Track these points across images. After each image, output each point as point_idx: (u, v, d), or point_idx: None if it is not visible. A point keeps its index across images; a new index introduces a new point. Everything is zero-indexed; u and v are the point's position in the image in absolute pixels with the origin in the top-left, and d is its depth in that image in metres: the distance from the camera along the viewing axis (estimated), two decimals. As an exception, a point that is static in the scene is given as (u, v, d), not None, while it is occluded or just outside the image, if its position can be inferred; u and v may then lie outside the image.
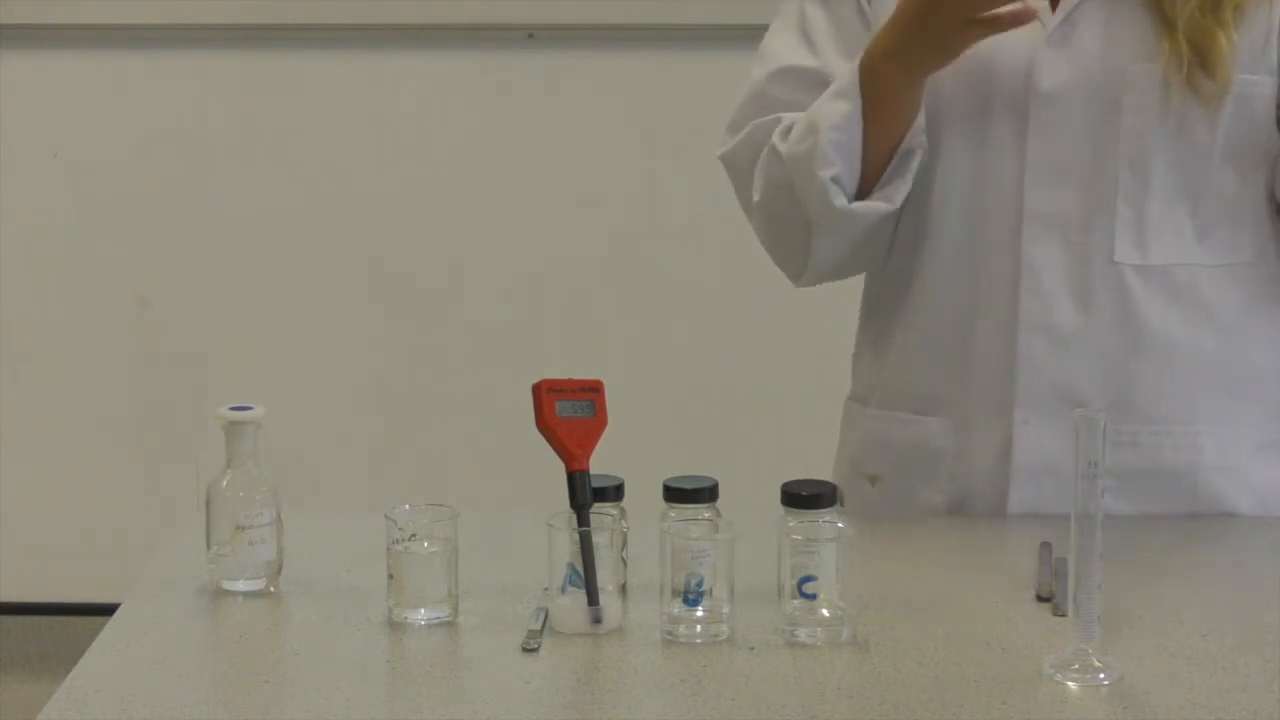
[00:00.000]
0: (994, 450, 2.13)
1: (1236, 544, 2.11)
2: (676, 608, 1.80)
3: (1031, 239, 2.08)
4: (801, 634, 1.79)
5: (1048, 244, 2.08)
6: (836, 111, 2.06)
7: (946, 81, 2.08)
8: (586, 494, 1.84)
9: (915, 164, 2.09)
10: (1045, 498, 2.11)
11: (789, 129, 2.11)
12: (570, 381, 1.89)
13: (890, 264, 2.18)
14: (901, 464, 2.18)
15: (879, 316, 2.21)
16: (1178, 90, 2.03)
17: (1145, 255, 2.08)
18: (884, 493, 2.18)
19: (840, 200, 2.07)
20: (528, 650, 1.77)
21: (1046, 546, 1.97)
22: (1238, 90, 2.05)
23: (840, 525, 1.81)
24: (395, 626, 1.83)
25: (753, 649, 1.77)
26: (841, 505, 1.99)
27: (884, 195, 2.09)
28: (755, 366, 3.79)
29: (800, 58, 2.16)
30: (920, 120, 2.07)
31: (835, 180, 2.06)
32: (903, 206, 2.11)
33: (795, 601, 1.79)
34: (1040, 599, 1.89)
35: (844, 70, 2.08)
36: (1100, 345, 2.09)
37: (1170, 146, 2.06)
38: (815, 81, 2.14)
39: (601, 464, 1.86)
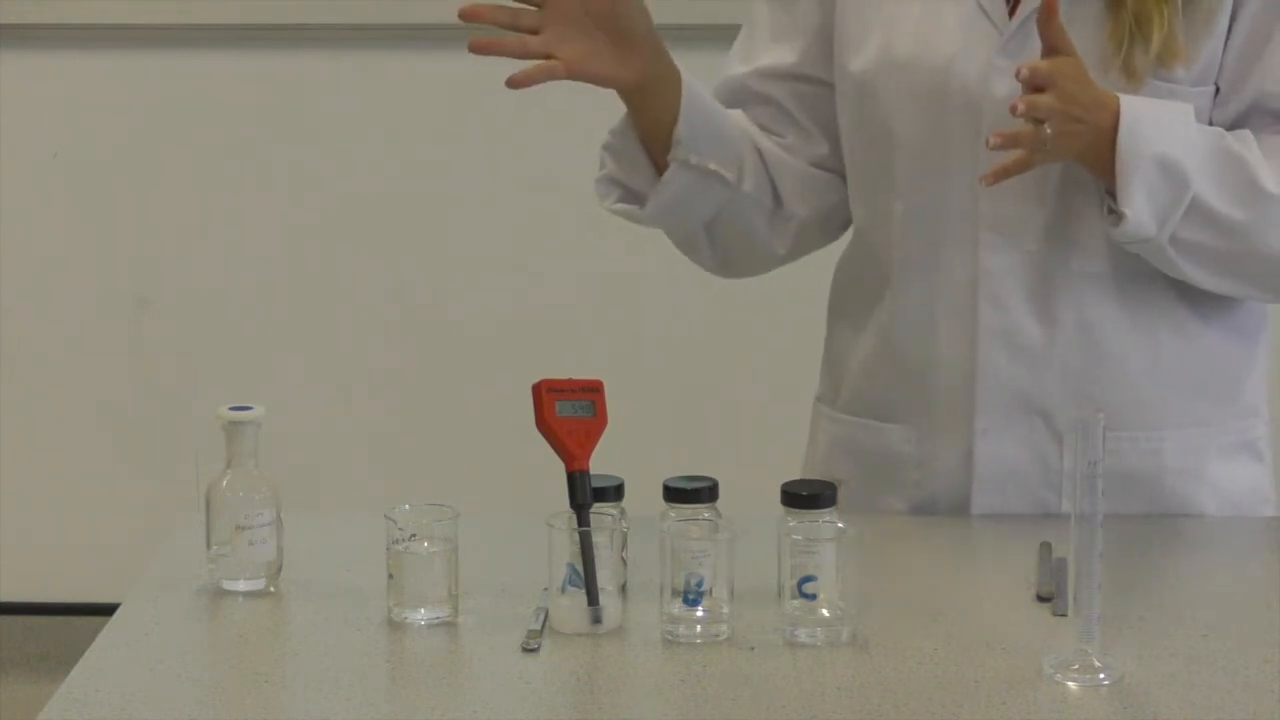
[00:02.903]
0: (956, 457, 2.13)
1: (1236, 544, 2.11)
2: (676, 608, 1.80)
3: (989, 248, 2.07)
4: (801, 634, 1.79)
5: (1005, 253, 2.07)
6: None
7: (902, 90, 2.09)
8: (586, 494, 1.84)
9: (676, 182, 2.10)
10: (1007, 503, 2.12)
11: None
12: (570, 381, 1.89)
13: (852, 271, 2.19)
14: (866, 469, 2.19)
15: (843, 323, 2.22)
16: (1115, 74, 2.01)
17: (1103, 263, 2.07)
18: (849, 497, 2.18)
19: (606, 201, 2.15)
20: (528, 650, 1.77)
21: (1046, 546, 1.97)
22: (1179, 95, 2.03)
23: (840, 525, 1.81)
24: (395, 626, 1.83)
25: (753, 649, 1.77)
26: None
27: (651, 204, 2.12)
28: (756, 366, 3.78)
29: (734, 66, 2.21)
30: (685, 137, 2.08)
31: (603, 181, 2.14)
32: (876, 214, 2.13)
33: (795, 601, 1.79)
34: (1040, 599, 1.89)
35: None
36: (1060, 354, 2.08)
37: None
38: (738, 90, 2.20)
39: (601, 464, 1.86)
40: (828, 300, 2.26)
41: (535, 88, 2.02)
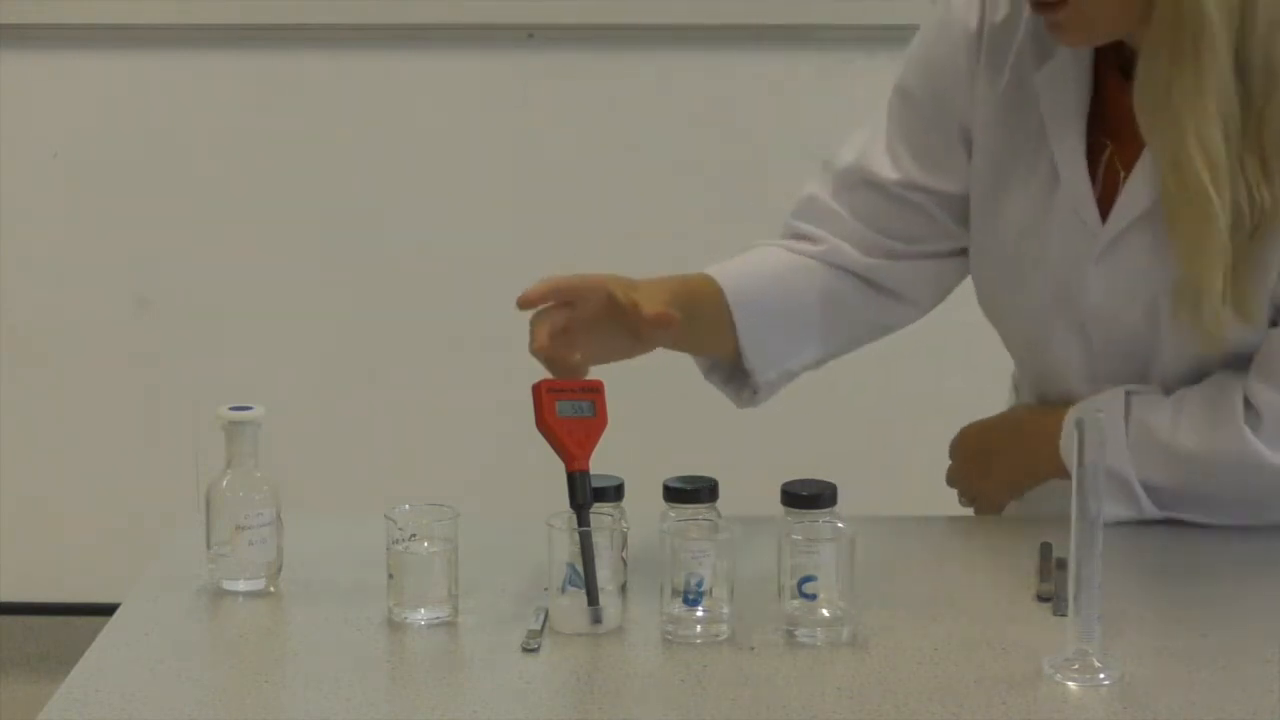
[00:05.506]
0: None
1: (1237, 544, 2.10)
2: (676, 608, 1.80)
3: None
4: (801, 634, 1.79)
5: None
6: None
7: (1005, 283, 2.12)
8: (586, 494, 1.84)
9: (777, 388, 2.19)
10: None
11: None
12: (570, 382, 1.89)
13: None
14: None
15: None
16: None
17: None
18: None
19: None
20: (528, 650, 1.77)
21: (1046, 546, 1.97)
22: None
23: (840, 525, 1.81)
24: (395, 626, 1.83)
25: (753, 649, 1.77)
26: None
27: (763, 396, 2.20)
28: (755, 366, 3.78)
29: (883, 168, 2.15)
30: (756, 366, 2.17)
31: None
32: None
33: (795, 601, 1.79)
34: (1040, 599, 1.89)
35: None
36: None
37: (1205, 358, 2.04)
38: (882, 193, 2.15)
39: (601, 464, 1.86)
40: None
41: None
